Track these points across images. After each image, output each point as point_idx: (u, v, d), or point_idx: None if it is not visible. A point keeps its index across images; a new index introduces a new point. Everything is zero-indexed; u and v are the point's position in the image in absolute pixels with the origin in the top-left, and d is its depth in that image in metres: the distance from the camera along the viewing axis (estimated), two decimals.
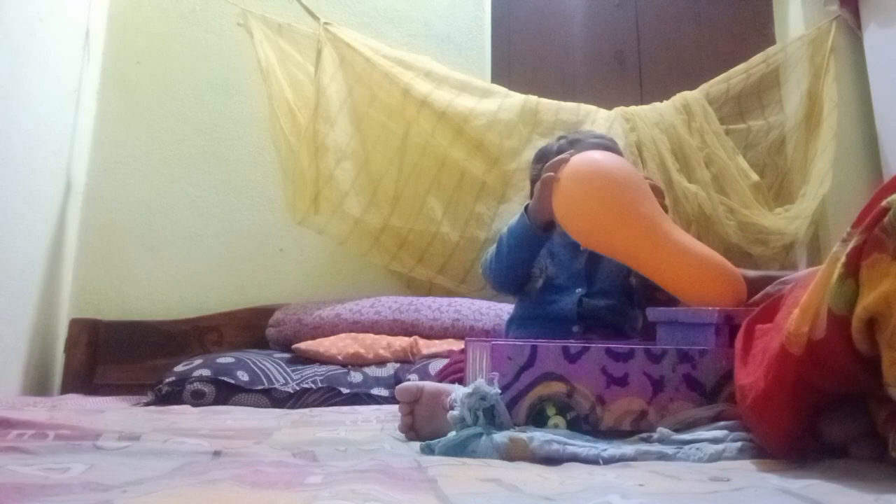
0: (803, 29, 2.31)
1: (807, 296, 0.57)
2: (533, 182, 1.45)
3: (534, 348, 0.76)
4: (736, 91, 2.17)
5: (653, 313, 0.99)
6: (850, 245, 0.53)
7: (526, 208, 1.23)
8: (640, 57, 2.36)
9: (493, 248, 1.32)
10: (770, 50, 2.22)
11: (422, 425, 0.88)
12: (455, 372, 0.98)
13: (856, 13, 2.26)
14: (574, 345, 0.78)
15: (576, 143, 1.37)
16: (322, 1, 2.07)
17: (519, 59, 2.33)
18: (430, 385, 0.91)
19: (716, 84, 2.16)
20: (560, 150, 1.37)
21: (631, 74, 2.35)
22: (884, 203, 0.51)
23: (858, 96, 2.27)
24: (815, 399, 0.60)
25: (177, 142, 2.12)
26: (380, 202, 1.98)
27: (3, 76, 1.59)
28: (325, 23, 2.01)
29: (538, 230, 1.21)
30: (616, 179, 1.04)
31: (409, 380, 1.19)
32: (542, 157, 1.43)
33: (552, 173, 1.11)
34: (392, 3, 2.24)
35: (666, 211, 1.12)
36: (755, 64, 2.19)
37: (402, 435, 0.88)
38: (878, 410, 0.57)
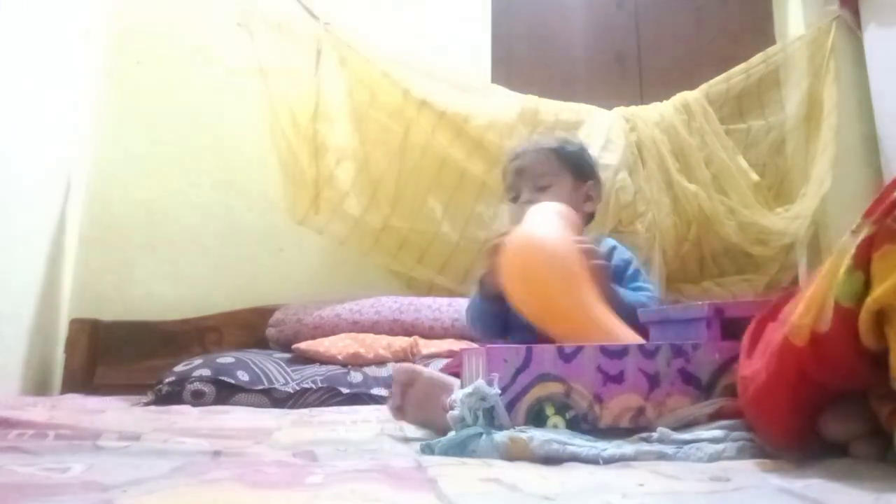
0: (803, 29, 2.31)
1: (813, 288, 0.56)
2: (507, 189, 1.46)
3: (529, 349, 0.76)
4: (736, 91, 2.17)
5: (644, 315, 0.99)
6: (861, 236, 0.52)
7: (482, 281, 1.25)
8: (640, 57, 2.36)
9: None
10: (770, 50, 2.22)
11: (411, 410, 0.88)
12: (458, 366, 0.98)
13: (856, 13, 2.26)
14: (568, 345, 0.78)
15: (519, 157, 1.40)
16: (322, 1, 2.07)
17: (519, 59, 2.33)
18: (429, 372, 0.91)
19: (716, 84, 2.16)
20: (515, 170, 1.40)
21: (631, 74, 2.35)
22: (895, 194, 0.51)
23: (858, 96, 2.27)
24: (816, 395, 0.60)
25: (177, 142, 2.12)
26: (380, 202, 1.99)
27: (3, 76, 1.59)
28: (325, 23, 2.01)
29: (495, 304, 1.22)
30: (542, 275, 1.06)
31: None
32: (505, 169, 1.46)
33: (493, 258, 1.14)
34: (392, 3, 2.24)
35: (604, 270, 1.13)
36: (755, 64, 2.19)
37: (401, 434, 0.88)
38: (881, 407, 0.57)
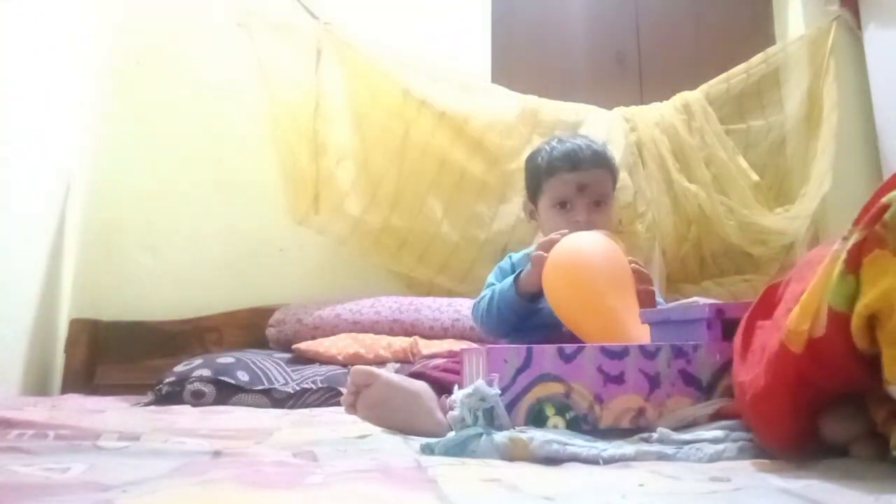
0: (803, 29, 2.31)
1: (807, 293, 0.57)
2: (527, 186, 1.44)
3: (529, 349, 0.76)
4: (736, 91, 2.17)
5: (645, 315, 0.99)
6: (851, 242, 0.53)
7: (518, 276, 1.24)
8: (640, 57, 2.36)
9: (486, 296, 1.31)
10: (770, 50, 2.22)
11: (365, 409, 0.89)
12: (448, 369, 0.98)
13: (856, 13, 2.26)
14: (569, 345, 0.78)
15: (564, 144, 1.34)
16: (322, 1, 2.06)
17: (519, 59, 2.33)
18: (387, 376, 0.91)
19: (716, 84, 2.16)
20: (551, 154, 1.34)
21: (631, 74, 2.35)
22: (884, 199, 0.51)
23: (858, 96, 2.27)
24: (816, 398, 0.60)
25: (177, 142, 2.12)
26: (380, 202, 1.99)
27: (3, 76, 1.59)
28: (325, 23, 2.01)
29: (525, 300, 1.22)
30: (591, 271, 1.11)
31: None
32: (532, 161, 1.41)
33: (542, 252, 1.16)
34: (392, 3, 2.24)
35: (651, 295, 1.17)
36: (755, 64, 2.19)
37: (399, 432, 0.88)
38: (878, 409, 0.57)
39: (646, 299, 1.14)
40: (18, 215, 1.68)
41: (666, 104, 2.14)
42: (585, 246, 1.15)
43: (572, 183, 1.30)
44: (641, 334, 1.00)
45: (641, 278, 1.16)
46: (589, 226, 1.27)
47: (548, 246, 1.17)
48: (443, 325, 1.81)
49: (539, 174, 1.35)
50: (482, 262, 1.91)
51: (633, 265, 1.16)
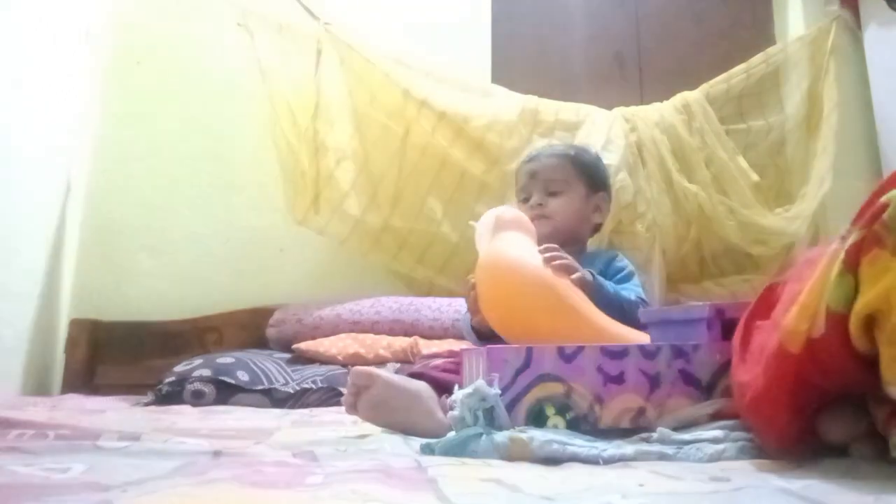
0: (803, 29, 2.31)
1: (805, 293, 0.57)
2: (519, 190, 1.47)
3: (529, 350, 0.76)
4: (736, 91, 2.17)
5: (645, 315, 0.99)
6: (849, 241, 0.53)
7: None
8: (640, 57, 2.36)
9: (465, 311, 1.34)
10: (770, 50, 2.22)
11: (366, 410, 0.90)
12: (448, 369, 0.98)
13: (856, 13, 2.26)
14: (569, 345, 0.78)
15: (534, 160, 1.42)
16: (322, 1, 2.06)
17: (519, 59, 2.33)
18: (387, 377, 0.92)
19: (716, 84, 2.16)
20: (528, 172, 1.43)
21: (631, 74, 2.35)
22: (883, 199, 0.51)
23: (858, 96, 2.27)
24: (815, 398, 0.60)
25: (177, 142, 2.12)
26: (380, 202, 1.98)
27: (3, 76, 1.59)
28: (325, 23, 2.01)
29: (487, 337, 1.22)
30: (526, 308, 1.08)
31: None
32: (518, 170, 1.48)
33: (470, 293, 1.18)
34: (392, 3, 2.24)
35: (589, 290, 1.12)
36: (755, 64, 2.18)
37: (399, 432, 0.88)
38: (878, 410, 0.57)
39: (582, 287, 1.11)
40: (18, 215, 1.68)
41: (666, 104, 2.14)
42: (500, 265, 1.12)
43: (526, 172, 1.41)
44: (606, 322, 1.02)
45: (567, 270, 1.11)
46: (542, 210, 1.34)
47: (473, 305, 1.18)
48: (443, 325, 1.81)
49: (518, 175, 1.46)
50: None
51: (545, 256, 1.12)
